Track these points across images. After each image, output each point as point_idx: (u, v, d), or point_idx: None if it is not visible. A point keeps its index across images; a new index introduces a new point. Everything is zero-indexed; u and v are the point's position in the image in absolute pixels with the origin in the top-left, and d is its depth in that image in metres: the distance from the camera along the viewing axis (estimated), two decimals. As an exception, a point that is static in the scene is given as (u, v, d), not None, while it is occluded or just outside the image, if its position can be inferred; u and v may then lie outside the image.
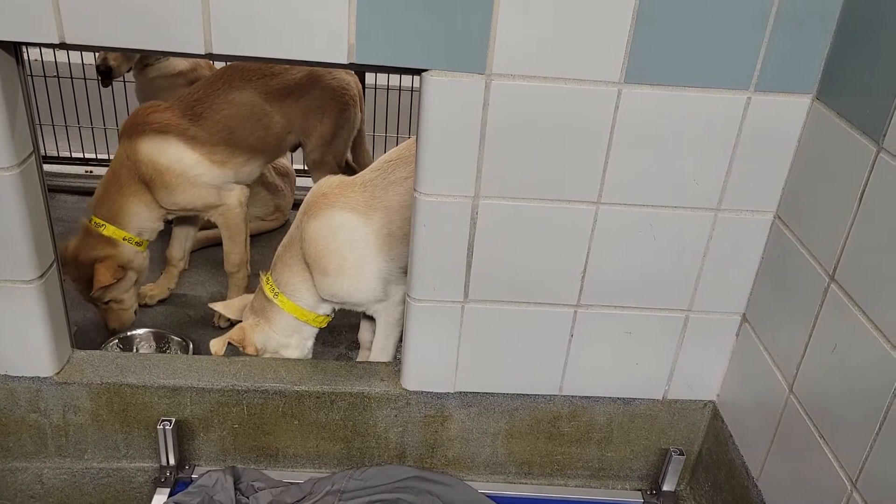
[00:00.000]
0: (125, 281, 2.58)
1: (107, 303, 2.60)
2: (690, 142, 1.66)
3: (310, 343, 2.21)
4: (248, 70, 2.65)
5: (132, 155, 2.49)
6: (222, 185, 2.61)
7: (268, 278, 2.16)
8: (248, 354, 2.09)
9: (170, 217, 2.67)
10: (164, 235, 2.78)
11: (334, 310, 2.19)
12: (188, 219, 2.84)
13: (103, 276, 2.47)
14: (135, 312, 2.69)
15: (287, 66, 2.67)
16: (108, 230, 2.52)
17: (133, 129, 2.51)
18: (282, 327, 2.14)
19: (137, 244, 2.57)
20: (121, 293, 2.60)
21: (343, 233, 2.03)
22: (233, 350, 2.07)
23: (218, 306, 2.31)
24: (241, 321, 2.21)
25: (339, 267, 2.03)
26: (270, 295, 2.12)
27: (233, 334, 2.09)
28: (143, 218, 2.56)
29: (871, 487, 1.39)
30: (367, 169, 2.15)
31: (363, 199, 2.06)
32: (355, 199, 2.06)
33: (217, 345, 2.05)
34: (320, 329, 2.20)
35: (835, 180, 1.54)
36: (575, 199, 1.71)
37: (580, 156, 1.66)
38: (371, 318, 2.24)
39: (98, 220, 2.53)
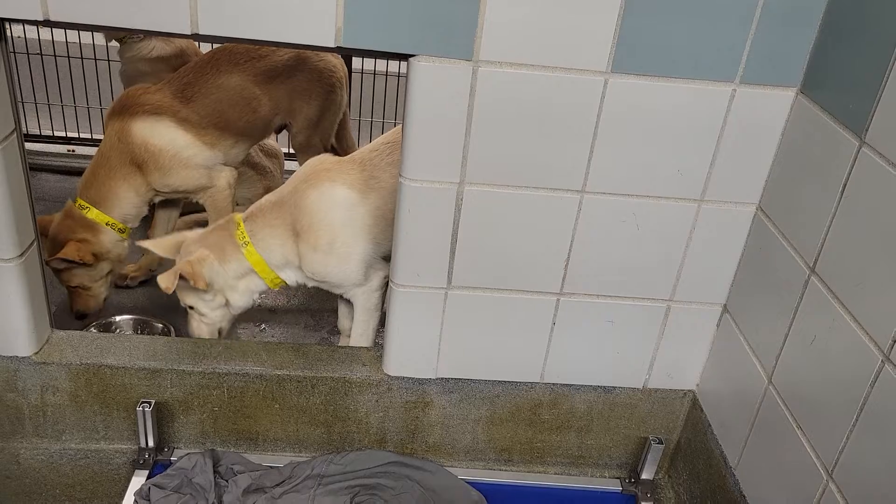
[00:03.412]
0: (95, 269, 2.51)
1: (75, 287, 2.53)
2: (675, 132, 1.66)
3: (255, 296, 2.18)
4: (236, 53, 2.63)
5: (124, 137, 2.45)
6: (213, 167, 2.60)
7: (240, 224, 2.11)
8: (197, 288, 2.03)
9: (156, 201, 2.64)
10: (145, 219, 2.73)
11: (297, 282, 2.17)
12: (171, 201, 2.81)
13: (69, 250, 2.40)
14: (104, 300, 2.62)
15: (274, 48, 2.66)
16: (92, 213, 2.47)
17: (124, 111, 2.47)
18: (234, 269, 2.09)
19: (120, 231, 2.52)
20: (89, 281, 2.53)
21: (340, 209, 2.03)
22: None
23: (147, 244, 2.19)
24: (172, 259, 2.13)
25: (329, 244, 2.03)
26: (240, 241, 2.08)
27: (182, 268, 2.00)
28: (130, 202, 2.52)
29: (846, 478, 1.41)
30: (367, 148, 2.15)
31: (362, 177, 2.07)
32: (355, 176, 2.07)
33: (166, 280, 1.97)
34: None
35: (817, 174, 1.55)
36: (560, 187, 1.71)
37: (566, 144, 1.66)
38: (349, 304, 2.24)
39: (83, 203, 2.47)
